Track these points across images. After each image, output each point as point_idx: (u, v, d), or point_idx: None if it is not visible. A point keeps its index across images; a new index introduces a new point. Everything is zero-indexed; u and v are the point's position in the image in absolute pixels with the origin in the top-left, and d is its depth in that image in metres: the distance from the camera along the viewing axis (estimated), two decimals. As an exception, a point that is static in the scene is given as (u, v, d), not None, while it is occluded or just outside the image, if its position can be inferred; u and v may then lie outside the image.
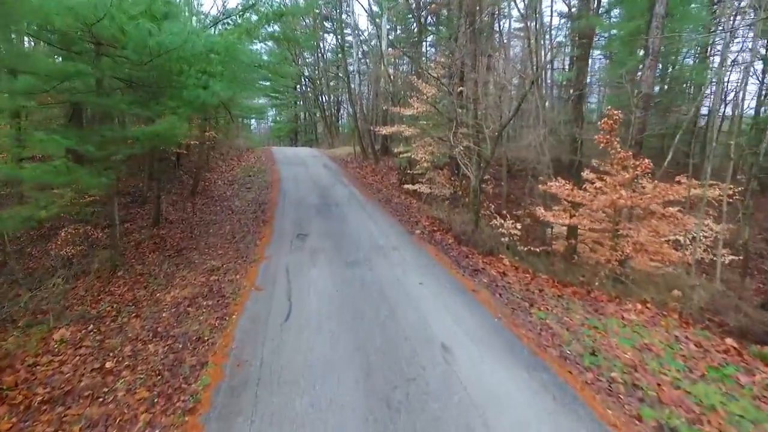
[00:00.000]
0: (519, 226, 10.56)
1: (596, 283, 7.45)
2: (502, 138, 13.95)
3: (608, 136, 7.87)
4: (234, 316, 5.00)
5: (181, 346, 4.47)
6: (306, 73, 35.20)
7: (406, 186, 15.26)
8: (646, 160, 7.56)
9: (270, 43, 36.75)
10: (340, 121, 38.19)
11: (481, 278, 6.86)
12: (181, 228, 9.85)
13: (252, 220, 10.02)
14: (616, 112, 7.77)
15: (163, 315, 5.23)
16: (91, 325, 5.11)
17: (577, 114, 12.13)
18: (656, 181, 8.01)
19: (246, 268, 6.82)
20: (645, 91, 8.97)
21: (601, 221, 9.17)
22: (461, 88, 15.99)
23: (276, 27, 13.08)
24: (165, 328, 4.81)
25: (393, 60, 22.15)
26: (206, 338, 4.57)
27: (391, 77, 19.16)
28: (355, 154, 22.39)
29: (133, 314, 5.39)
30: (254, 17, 8.64)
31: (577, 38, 15.33)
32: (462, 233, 9.96)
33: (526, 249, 9.72)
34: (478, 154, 11.33)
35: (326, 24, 33.28)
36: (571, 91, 12.23)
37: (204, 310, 5.23)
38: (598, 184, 8.43)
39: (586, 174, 9.58)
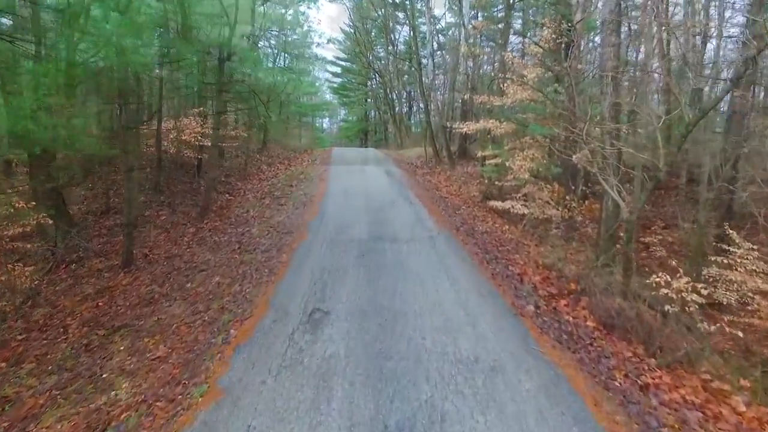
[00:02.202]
0: (701, 288, 5.55)
1: None
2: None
3: None
4: None
5: None
6: (376, 68, 31.85)
7: (492, 203, 10.84)
8: None
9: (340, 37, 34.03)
10: (412, 120, 34.24)
11: None
12: (152, 276, 6.51)
13: (257, 268, 6.37)
14: None
15: None
16: None
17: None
18: None
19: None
20: None
21: None
22: (579, 65, 11.25)
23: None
24: None
25: (477, 36, 17.59)
26: None
27: (474, 53, 14.70)
28: (426, 156, 18.23)
29: None
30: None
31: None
32: (615, 312, 5.41)
33: (708, 327, 4.99)
34: (640, 167, 6.64)
35: (398, 14, 29.75)
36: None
37: None
38: None
39: None
